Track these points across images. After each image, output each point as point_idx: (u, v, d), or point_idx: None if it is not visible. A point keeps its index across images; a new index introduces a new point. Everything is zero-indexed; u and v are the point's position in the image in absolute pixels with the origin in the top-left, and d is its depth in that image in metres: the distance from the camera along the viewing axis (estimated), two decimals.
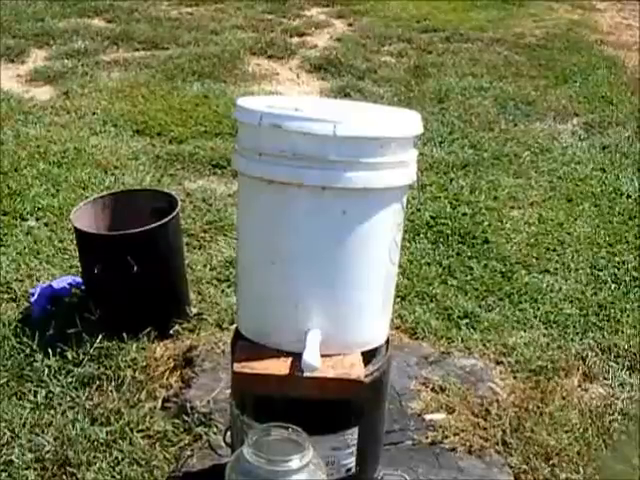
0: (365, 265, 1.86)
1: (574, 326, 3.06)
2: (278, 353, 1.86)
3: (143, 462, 2.32)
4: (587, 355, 2.88)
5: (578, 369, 2.81)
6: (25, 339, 2.77)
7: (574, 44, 6.95)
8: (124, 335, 2.73)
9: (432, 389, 2.64)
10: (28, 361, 2.69)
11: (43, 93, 5.45)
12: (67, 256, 3.38)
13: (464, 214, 3.89)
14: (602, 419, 2.55)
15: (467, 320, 3.06)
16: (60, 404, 2.53)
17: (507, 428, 2.47)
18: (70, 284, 3.07)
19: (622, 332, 3.03)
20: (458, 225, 3.77)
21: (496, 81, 5.89)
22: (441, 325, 3.02)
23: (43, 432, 2.41)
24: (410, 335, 2.96)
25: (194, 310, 2.99)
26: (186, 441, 2.41)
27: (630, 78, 6.11)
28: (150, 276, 2.76)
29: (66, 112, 5.05)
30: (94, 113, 5.04)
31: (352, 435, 1.92)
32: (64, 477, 2.28)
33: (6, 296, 3.12)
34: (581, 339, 2.99)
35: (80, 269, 3.03)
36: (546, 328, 3.05)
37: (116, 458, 2.33)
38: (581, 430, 2.49)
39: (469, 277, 3.37)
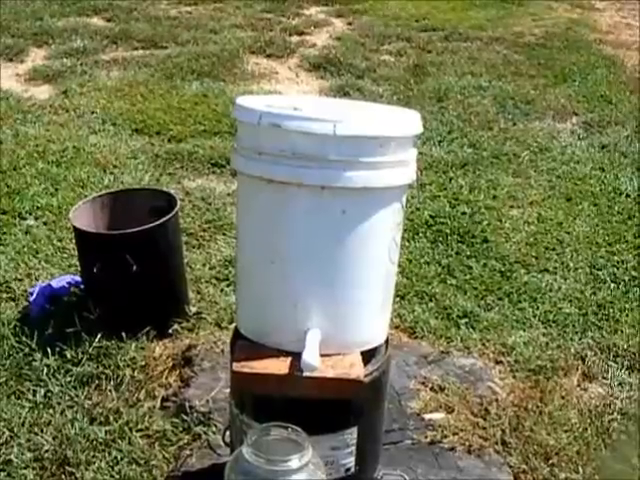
0: (365, 265, 1.86)
1: (573, 325, 3.06)
2: (277, 353, 1.86)
3: (142, 461, 2.32)
4: (586, 355, 2.88)
5: (577, 369, 2.81)
6: (24, 338, 2.77)
7: (573, 43, 6.95)
8: (123, 334, 2.73)
9: (431, 388, 2.64)
10: (27, 360, 2.69)
11: (42, 92, 5.44)
12: (66, 255, 3.38)
13: (463, 213, 3.89)
14: (601, 419, 2.55)
15: (466, 319, 3.06)
16: (59, 403, 2.53)
17: (506, 428, 2.47)
18: (69, 283, 3.07)
19: (621, 331, 3.03)
20: (457, 224, 3.77)
21: (495, 80, 5.89)
22: (440, 324, 3.02)
23: (42, 431, 2.41)
24: (409, 334, 2.96)
25: (193, 309, 2.99)
26: (185, 440, 2.40)
27: (629, 77, 6.11)
28: (149, 275, 2.76)
29: (65, 111, 5.05)
30: (93, 112, 5.03)
31: (351, 435, 1.91)
32: (63, 476, 2.28)
33: (5, 295, 3.12)
34: (580, 338, 2.99)
35: (79, 268, 3.03)
36: (545, 327, 3.05)
37: (115, 457, 2.33)
38: (580, 430, 2.49)
39: (468, 276, 3.36)
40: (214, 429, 2.42)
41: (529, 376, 2.75)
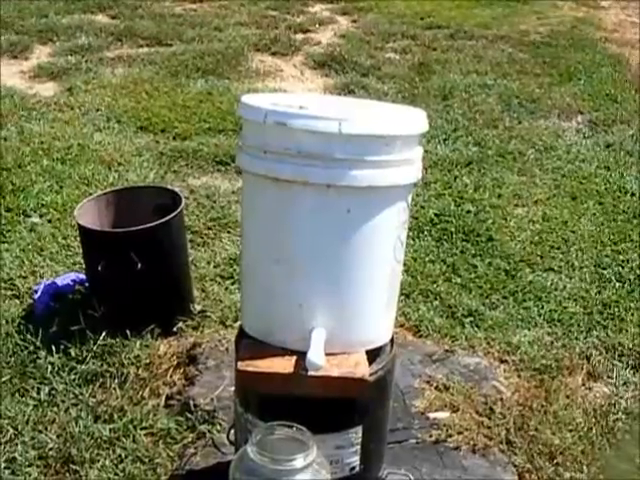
0: (370, 263, 1.85)
1: (578, 325, 3.06)
2: (282, 351, 1.86)
3: (146, 460, 2.32)
4: (591, 354, 2.88)
5: (582, 368, 2.81)
6: (28, 336, 2.77)
7: (578, 42, 6.95)
8: (127, 332, 2.73)
9: (436, 387, 2.63)
10: (31, 358, 2.69)
11: (47, 89, 5.44)
12: (71, 253, 3.38)
13: (468, 212, 3.88)
14: (606, 418, 2.55)
15: (471, 318, 3.06)
16: (63, 401, 2.53)
17: (511, 427, 2.47)
18: (74, 281, 3.07)
19: (626, 331, 3.03)
20: (462, 223, 3.76)
21: (500, 78, 5.88)
22: (445, 323, 3.01)
23: (46, 429, 2.41)
24: (414, 333, 2.95)
25: (198, 307, 2.98)
26: (189, 439, 2.40)
27: (634, 76, 6.10)
28: (154, 273, 2.76)
29: (70, 108, 5.05)
30: (98, 109, 5.03)
31: (356, 434, 1.91)
32: (67, 474, 2.28)
33: (9, 293, 3.12)
34: (585, 338, 2.98)
35: (84, 266, 3.04)
36: (550, 327, 3.04)
37: (119, 456, 2.33)
38: (585, 429, 2.48)
39: (473, 275, 3.36)
40: (218, 428, 2.41)
41: (534, 375, 2.74)
